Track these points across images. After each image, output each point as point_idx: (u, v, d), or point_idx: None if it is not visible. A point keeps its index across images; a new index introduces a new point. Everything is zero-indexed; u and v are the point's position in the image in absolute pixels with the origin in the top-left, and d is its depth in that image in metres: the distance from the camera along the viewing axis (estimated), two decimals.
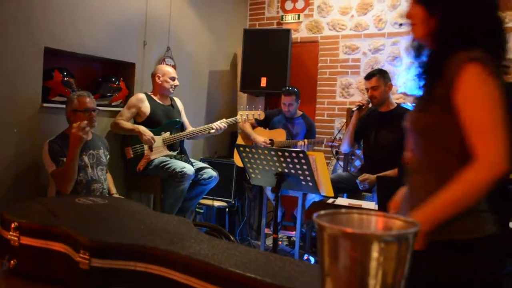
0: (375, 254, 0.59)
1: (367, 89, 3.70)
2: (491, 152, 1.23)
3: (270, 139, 4.19)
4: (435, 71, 1.35)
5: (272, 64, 4.57)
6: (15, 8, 3.01)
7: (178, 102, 3.94)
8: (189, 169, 3.46)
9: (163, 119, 3.68)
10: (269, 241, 4.33)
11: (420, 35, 1.43)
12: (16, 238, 1.41)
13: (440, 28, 1.37)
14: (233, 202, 4.41)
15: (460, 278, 1.31)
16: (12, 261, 1.39)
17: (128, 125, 3.56)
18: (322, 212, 0.64)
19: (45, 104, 3.23)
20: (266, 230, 4.06)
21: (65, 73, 3.35)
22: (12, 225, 1.41)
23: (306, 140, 4.02)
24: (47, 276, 1.37)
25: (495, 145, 1.23)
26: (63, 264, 1.33)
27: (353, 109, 3.73)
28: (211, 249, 1.25)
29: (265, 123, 4.34)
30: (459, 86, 1.27)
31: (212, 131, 3.72)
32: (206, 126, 3.79)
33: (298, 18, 5.07)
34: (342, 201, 2.80)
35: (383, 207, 2.37)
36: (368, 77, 3.67)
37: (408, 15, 1.45)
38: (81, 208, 1.60)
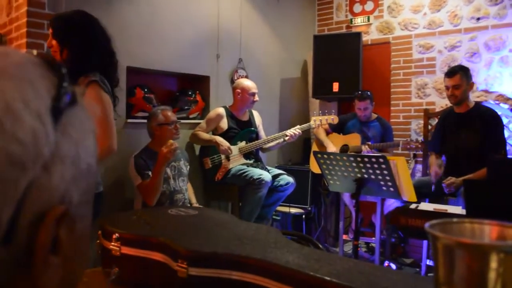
0: (494, 264, 0.58)
1: (447, 87, 3.54)
2: (105, 138, 2.00)
3: (344, 145, 4.14)
4: None
5: (344, 68, 4.53)
6: None
7: (256, 116, 4.01)
8: (266, 176, 3.51)
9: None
10: (347, 248, 4.28)
11: (63, 58, 2.08)
12: (117, 248, 1.50)
13: (70, 57, 2.06)
14: (309, 208, 4.40)
15: None
16: (114, 270, 1.48)
17: (206, 136, 3.68)
18: (434, 221, 0.63)
19: (129, 120, 3.41)
20: (344, 237, 4.01)
21: (145, 90, 3.53)
22: (114, 236, 1.51)
23: (369, 144, 3.94)
24: (147, 284, 1.44)
25: (108, 134, 2.02)
26: (162, 273, 1.40)
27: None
28: (304, 258, 1.26)
29: (340, 128, 4.30)
30: (86, 98, 1.80)
31: (287, 138, 3.75)
32: (280, 133, 3.83)
33: (368, 20, 4.99)
34: (426, 206, 2.71)
35: (472, 211, 2.27)
36: (450, 74, 3.49)
37: (49, 45, 2.12)
38: (175, 219, 1.68)
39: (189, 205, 3.32)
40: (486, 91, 4.25)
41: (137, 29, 3.47)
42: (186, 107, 3.84)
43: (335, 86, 4.54)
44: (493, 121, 3.45)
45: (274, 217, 4.40)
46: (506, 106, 3.98)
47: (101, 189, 2.27)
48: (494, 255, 0.58)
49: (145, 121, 3.28)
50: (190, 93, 3.90)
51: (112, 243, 1.52)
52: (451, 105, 3.70)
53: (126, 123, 3.40)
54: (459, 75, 3.44)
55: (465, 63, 4.31)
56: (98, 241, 1.64)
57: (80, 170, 0.41)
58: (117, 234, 1.50)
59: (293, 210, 4.34)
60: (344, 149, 4.10)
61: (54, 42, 2.10)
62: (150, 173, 2.99)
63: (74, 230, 0.41)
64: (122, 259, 1.51)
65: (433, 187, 3.43)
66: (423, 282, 1.08)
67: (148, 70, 3.62)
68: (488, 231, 0.67)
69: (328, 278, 1.07)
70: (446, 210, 2.59)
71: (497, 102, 4.10)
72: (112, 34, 3.31)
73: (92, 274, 1.63)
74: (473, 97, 4.16)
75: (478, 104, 3.64)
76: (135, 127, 3.44)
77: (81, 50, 2.07)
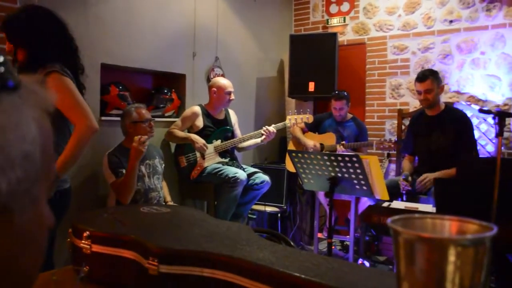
0: (452, 258, 0.60)
1: (419, 92, 3.59)
2: (82, 119, 2.03)
3: (320, 143, 4.18)
4: None
5: (320, 68, 4.57)
6: (73, 28, 3.16)
7: (232, 114, 4.00)
8: (241, 174, 3.51)
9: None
10: (322, 246, 4.32)
11: (20, 59, 2.09)
12: (88, 246, 1.48)
13: (27, 54, 2.08)
14: (285, 207, 4.43)
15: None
16: (85, 268, 1.46)
17: (181, 133, 3.66)
18: (396, 217, 0.65)
19: (103, 118, 3.37)
20: (319, 235, 4.05)
21: (120, 87, 3.49)
22: (84, 234, 1.49)
23: (343, 143, 3.99)
24: (118, 282, 1.43)
25: (83, 114, 2.04)
26: (133, 270, 1.39)
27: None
28: (274, 255, 1.27)
29: (316, 127, 4.33)
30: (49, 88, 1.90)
31: (263, 137, 3.76)
32: (255, 132, 3.84)
33: (344, 21, 5.04)
34: (397, 204, 2.76)
35: (442, 209, 2.32)
36: (421, 79, 3.54)
37: (8, 48, 2.11)
38: (147, 217, 1.67)
39: (164, 203, 3.30)
40: (458, 92, 4.35)
41: (112, 25, 3.43)
42: (161, 105, 3.81)
43: (311, 86, 4.57)
44: (466, 124, 3.53)
45: (249, 215, 4.41)
46: (477, 107, 4.07)
47: (66, 186, 2.25)
48: (452, 248, 0.60)
49: (119, 119, 3.24)
50: (165, 91, 3.87)
51: (83, 241, 1.50)
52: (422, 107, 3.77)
53: (100, 121, 3.35)
54: (430, 80, 3.50)
55: (438, 65, 4.40)
56: (68, 239, 1.62)
57: (10, 158, 0.39)
58: (88, 232, 1.49)
59: (269, 209, 4.35)
60: (320, 148, 4.13)
61: (11, 45, 2.12)
62: (124, 171, 2.96)
63: (12, 223, 0.39)
64: (93, 257, 1.49)
65: (404, 197, 3.50)
66: (390, 278, 1.10)
67: (123, 68, 3.58)
68: (448, 226, 0.68)
69: (297, 274, 1.09)
70: (417, 208, 2.64)
71: (468, 103, 4.19)
72: (87, 31, 3.28)
73: (63, 273, 1.61)
74: (446, 98, 4.26)
75: (448, 106, 3.72)
76: (110, 124, 3.39)
77: (36, 45, 2.08)
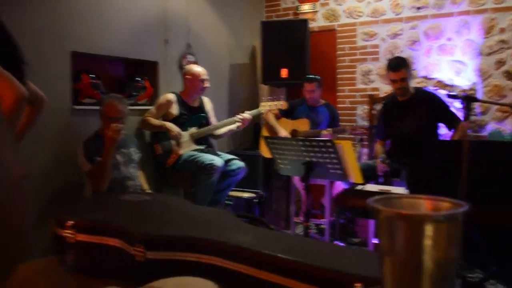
0: (428, 233, 0.66)
1: (394, 80, 3.65)
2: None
3: (293, 130, 4.24)
4: None
5: (291, 54, 4.61)
6: (42, 15, 3.12)
7: (207, 102, 4.00)
8: (218, 161, 3.53)
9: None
10: (298, 230, 4.40)
11: None
12: (72, 236, 1.50)
13: None
14: (261, 192, 4.49)
15: None
16: (71, 258, 1.48)
17: (156, 122, 3.65)
18: (376, 197, 0.70)
19: (75, 106, 3.33)
20: (295, 219, 4.13)
21: (91, 75, 3.45)
22: (68, 224, 1.50)
23: (330, 129, 4.06)
24: (105, 269, 1.46)
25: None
26: (119, 258, 1.42)
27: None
28: (255, 237, 1.32)
29: (289, 113, 4.39)
30: None
31: (239, 124, 3.78)
32: (230, 119, 3.87)
33: (314, 8, 5.08)
34: (371, 187, 2.85)
35: (413, 192, 2.42)
36: (396, 68, 3.61)
37: None
38: (128, 205, 1.69)
39: (140, 191, 3.30)
40: (426, 78, 4.47)
41: (83, 13, 3.38)
42: (134, 93, 3.79)
43: (284, 72, 4.61)
44: (438, 101, 3.65)
45: (226, 201, 4.44)
46: (444, 92, 4.20)
47: None
48: (428, 224, 0.66)
49: (92, 107, 3.21)
50: (138, 79, 3.85)
51: (66, 231, 1.52)
52: (393, 92, 3.86)
53: (72, 110, 3.32)
54: (404, 69, 3.58)
55: (407, 51, 4.50)
56: (52, 230, 1.63)
57: None
58: (71, 222, 1.50)
59: (245, 195, 4.41)
60: (294, 134, 4.20)
61: None
62: (99, 159, 2.95)
63: None
64: (78, 246, 1.51)
65: (379, 179, 3.58)
66: (365, 256, 1.17)
67: (94, 55, 3.54)
68: (424, 204, 0.74)
69: (279, 255, 1.14)
70: (390, 190, 2.73)
71: (436, 88, 4.32)
72: (58, 18, 3.23)
73: (47, 263, 1.62)
74: (414, 83, 4.37)
75: (418, 89, 3.82)
76: (82, 113, 3.36)
77: None
